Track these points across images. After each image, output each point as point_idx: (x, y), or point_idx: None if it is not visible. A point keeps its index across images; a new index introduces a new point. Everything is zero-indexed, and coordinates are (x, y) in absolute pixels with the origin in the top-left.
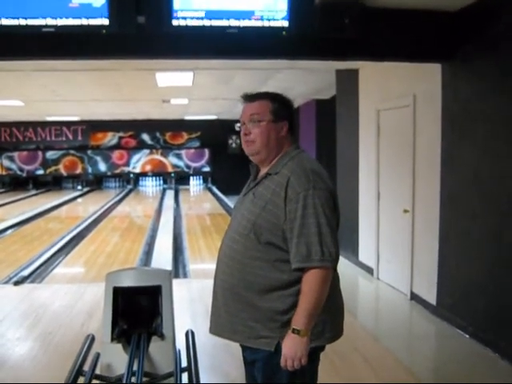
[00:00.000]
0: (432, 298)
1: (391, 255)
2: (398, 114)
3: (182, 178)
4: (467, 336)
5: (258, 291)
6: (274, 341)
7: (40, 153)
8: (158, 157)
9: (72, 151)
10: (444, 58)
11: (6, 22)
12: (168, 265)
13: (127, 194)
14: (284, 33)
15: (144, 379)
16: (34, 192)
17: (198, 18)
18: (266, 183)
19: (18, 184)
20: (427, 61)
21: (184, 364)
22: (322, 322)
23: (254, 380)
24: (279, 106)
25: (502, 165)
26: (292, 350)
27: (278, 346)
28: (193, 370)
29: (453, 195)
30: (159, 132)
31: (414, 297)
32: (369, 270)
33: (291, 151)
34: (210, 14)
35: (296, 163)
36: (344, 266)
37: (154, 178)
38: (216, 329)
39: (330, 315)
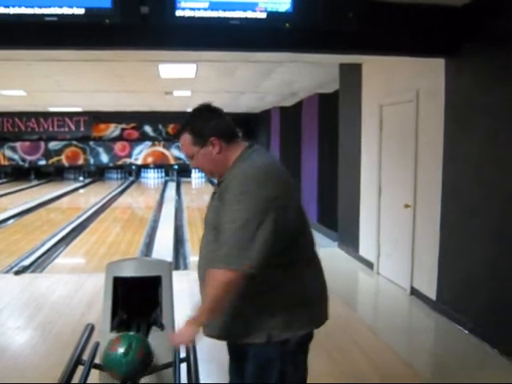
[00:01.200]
0: (432, 293)
1: (392, 250)
2: (401, 109)
3: (183, 171)
4: (466, 331)
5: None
6: (264, 332)
7: (42, 143)
8: (160, 149)
9: (74, 142)
10: (448, 52)
11: (7, 10)
12: (169, 256)
13: (129, 186)
14: (287, 25)
15: None
16: (35, 182)
17: (201, 9)
18: (220, 190)
19: (20, 174)
20: (431, 56)
21: (183, 355)
22: (286, 314)
23: (240, 373)
24: (198, 132)
25: (504, 160)
26: (182, 332)
27: (268, 337)
28: (191, 360)
29: (454, 190)
30: (162, 124)
31: (414, 292)
32: (369, 265)
33: (241, 155)
34: (214, 5)
35: (238, 169)
36: (344, 260)
37: (155, 170)
38: (208, 332)
39: (297, 307)
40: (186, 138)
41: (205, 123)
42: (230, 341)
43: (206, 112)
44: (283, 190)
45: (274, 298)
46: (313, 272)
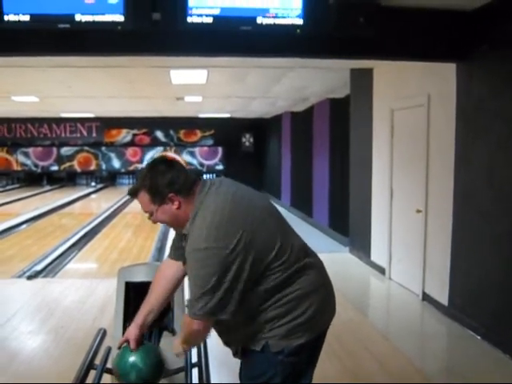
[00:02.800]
0: (444, 299)
1: (403, 255)
2: (412, 114)
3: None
4: (478, 337)
5: (243, 321)
6: (262, 342)
7: (54, 149)
8: (171, 154)
9: (86, 148)
10: (459, 57)
11: (22, 17)
12: None
13: None
14: (298, 31)
15: None
16: (48, 188)
17: (212, 16)
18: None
19: (32, 180)
20: (442, 60)
21: (194, 359)
22: (284, 327)
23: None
24: (154, 190)
25: None
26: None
27: (264, 346)
28: (203, 365)
29: (466, 195)
30: (173, 129)
31: (426, 297)
32: (381, 270)
33: (195, 203)
34: (225, 11)
35: (195, 223)
36: (356, 265)
37: None
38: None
39: (293, 320)
40: (144, 196)
41: (160, 180)
42: (231, 347)
43: (161, 167)
44: (243, 229)
45: (270, 315)
46: (308, 280)
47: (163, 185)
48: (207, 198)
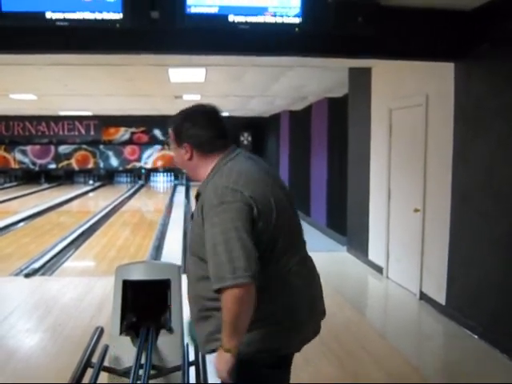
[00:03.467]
0: (441, 298)
1: (401, 254)
2: (411, 113)
3: None
4: (476, 336)
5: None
6: (219, 343)
7: (52, 147)
8: (169, 152)
9: (84, 146)
10: (457, 57)
11: (20, 15)
12: (178, 260)
13: (138, 190)
14: (297, 30)
15: (151, 372)
16: (46, 186)
17: (211, 14)
18: (198, 204)
19: (30, 178)
20: (440, 60)
21: (192, 358)
22: (248, 334)
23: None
24: (177, 132)
25: None
26: (216, 362)
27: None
28: (200, 364)
29: (465, 194)
30: None
31: (423, 296)
32: (378, 269)
33: (217, 164)
34: (223, 10)
35: (213, 181)
36: (353, 264)
37: (165, 174)
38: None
39: (263, 326)
40: (171, 131)
41: (185, 128)
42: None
43: (197, 118)
44: (258, 196)
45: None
46: (298, 283)
47: (184, 133)
48: (231, 162)
